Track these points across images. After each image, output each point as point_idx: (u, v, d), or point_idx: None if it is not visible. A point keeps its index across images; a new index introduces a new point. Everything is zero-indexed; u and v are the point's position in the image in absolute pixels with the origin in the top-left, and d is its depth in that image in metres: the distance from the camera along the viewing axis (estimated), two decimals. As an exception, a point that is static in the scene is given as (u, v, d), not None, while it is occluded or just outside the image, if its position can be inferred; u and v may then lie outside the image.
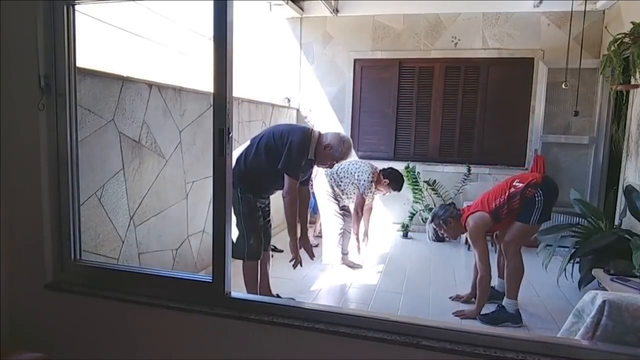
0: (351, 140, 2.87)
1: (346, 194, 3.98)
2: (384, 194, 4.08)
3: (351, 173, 3.93)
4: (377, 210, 5.53)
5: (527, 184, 2.92)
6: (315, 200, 4.64)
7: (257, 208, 2.75)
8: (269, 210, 2.97)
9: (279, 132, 2.68)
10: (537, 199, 2.88)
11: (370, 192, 3.92)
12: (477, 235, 3.00)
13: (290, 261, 2.82)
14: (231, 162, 1.77)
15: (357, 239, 4.06)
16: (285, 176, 2.61)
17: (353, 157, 5.04)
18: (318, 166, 2.93)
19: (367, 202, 4.04)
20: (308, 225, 4.80)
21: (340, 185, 3.94)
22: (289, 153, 2.58)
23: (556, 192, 2.98)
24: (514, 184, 2.97)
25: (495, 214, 2.97)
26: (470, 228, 3.01)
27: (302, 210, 2.90)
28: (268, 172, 2.68)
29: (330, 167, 2.86)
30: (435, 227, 3.21)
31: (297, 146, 2.59)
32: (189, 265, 3.48)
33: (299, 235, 2.85)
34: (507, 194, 2.94)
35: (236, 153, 2.73)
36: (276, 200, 2.94)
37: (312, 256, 3.00)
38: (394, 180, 3.96)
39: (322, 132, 2.81)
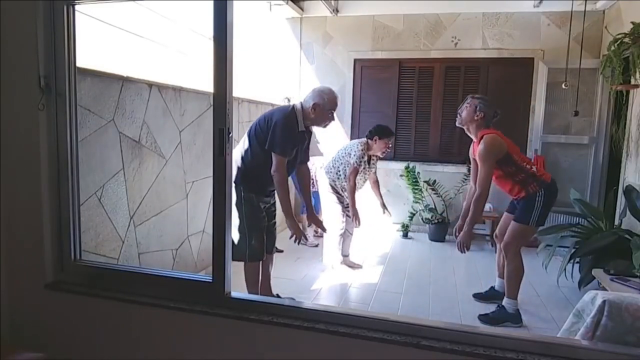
0: (327, 87, 2.84)
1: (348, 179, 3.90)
2: (384, 152, 3.91)
3: (344, 156, 3.88)
4: (377, 210, 5.53)
5: (538, 175, 2.92)
6: (316, 200, 4.63)
7: (260, 209, 2.74)
8: (275, 211, 2.94)
9: (263, 118, 2.69)
10: (537, 198, 2.88)
11: (364, 160, 3.82)
12: (489, 155, 2.83)
13: (290, 237, 2.77)
14: (231, 162, 1.76)
15: (355, 212, 3.86)
16: (273, 155, 2.59)
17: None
18: (323, 127, 2.86)
19: (369, 173, 3.93)
20: (307, 224, 4.83)
21: (339, 174, 3.87)
22: (274, 133, 2.58)
23: (556, 196, 2.98)
24: (532, 165, 2.96)
25: (507, 159, 2.88)
26: (487, 145, 2.83)
27: (304, 188, 2.95)
28: (264, 161, 2.65)
29: (332, 119, 2.81)
30: (468, 103, 3.00)
31: (280, 124, 2.59)
32: (189, 265, 3.48)
33: (297, 213, 2.84)
34: (522, 164, 2.91)
35: (237, 151, 2.74)
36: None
37: (324, 229, 3.08)
38: (380, 133, 3.84)
39: (301, 100, 2.78)
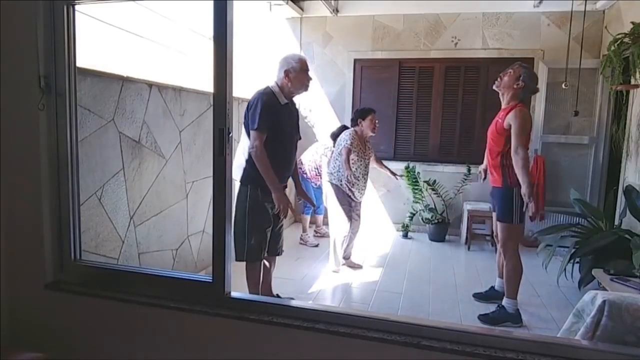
0: (290, 53, 2.86)
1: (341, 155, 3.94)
2: (374, 129, 3.96)
3: (337, 148, 3.91)
4: (377, 210, 5.55)
5: (529, 172, 2.95)
6: (318, 198, 4.63)
7: (265, 209, 2.71)
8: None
9: (246, 108, 2.70)
10: (514, 195, 2.92)
11: (355, 142, 3.85)
12: (525, 126, 2.83)
13: (276, 212, 2.73)
14: (231, 162, 1.76)
15: (350, 180, 3.85)
16: (250, 132, 2.59)
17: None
18: (305, 90, 2.83)
19: (369, 157, 4.00)
20: (308, 224, 4.83)
21: (340, 171, 3.86)
22: (252, 111, 2.60)
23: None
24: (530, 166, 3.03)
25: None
26: (523, 117, 2.84)
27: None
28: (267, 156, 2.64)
29: (310, 78, 2.81)
30: (513, 69, 2.95)
31: (256, 102, 2.61)
32: (189, 265, 3.48)
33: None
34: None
35: (240, 152, 2.74)
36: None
37: (314, 205, 3.32)
38: (362, 114, 3.95)
39: (275, 79, 2.80)
